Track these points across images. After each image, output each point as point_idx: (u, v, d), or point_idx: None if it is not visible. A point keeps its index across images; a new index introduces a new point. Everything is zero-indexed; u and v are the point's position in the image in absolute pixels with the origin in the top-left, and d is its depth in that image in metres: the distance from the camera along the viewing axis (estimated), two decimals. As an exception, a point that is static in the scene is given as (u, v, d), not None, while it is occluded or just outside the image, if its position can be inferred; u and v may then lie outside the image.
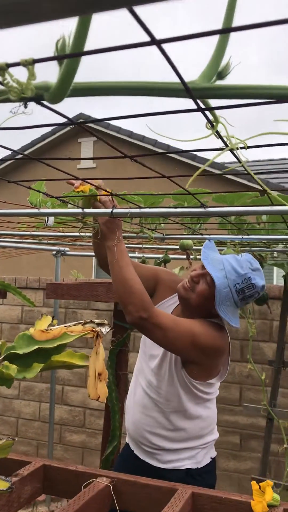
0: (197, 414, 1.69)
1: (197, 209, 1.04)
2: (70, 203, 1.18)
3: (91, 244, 2.84)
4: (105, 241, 1.51)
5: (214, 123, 0.54)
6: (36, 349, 1.16)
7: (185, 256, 2.03)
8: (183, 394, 1.66)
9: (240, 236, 1.48)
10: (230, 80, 0.47)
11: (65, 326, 1.35)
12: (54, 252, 3.41)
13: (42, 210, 1.21)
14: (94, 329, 1.25)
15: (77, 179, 1.11)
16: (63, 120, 0.60)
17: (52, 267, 3.63)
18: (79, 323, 1.42)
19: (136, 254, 3.70)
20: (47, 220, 1.24)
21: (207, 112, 0.53)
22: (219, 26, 0.41)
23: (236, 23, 0.41)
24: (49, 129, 12.37)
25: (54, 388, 3.69)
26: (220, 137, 0.59)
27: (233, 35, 0.44)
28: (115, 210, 1.11)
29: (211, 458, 1.75)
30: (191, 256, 2.16)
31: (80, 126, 0.70)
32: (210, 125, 0.55)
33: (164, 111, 0.54)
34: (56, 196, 1.09)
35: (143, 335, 1.76)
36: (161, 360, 1.71)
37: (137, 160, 0.84)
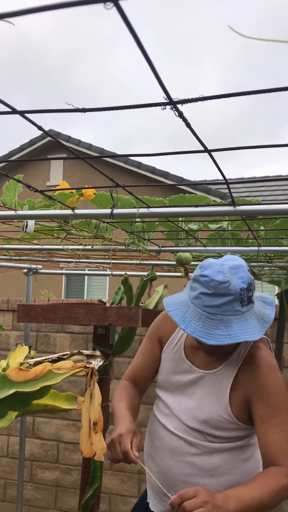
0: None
1: (225, 208, 0.80)
2: (58, 201, 0.91)
3: (69, 260, 2.55)
4: None
5: None
6: (13, 393, 0.88)
7: (181, 273, 1.78)
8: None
9: (256, 248, 1.24)
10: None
11: (47, 361, 1.06)
12: (25, 270, 3.10)
13: (20, 212, 0.94)
14: (88, 365, 0.97)
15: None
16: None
17: (20, 287, 3.33)
18: (65, 355, 1.14)
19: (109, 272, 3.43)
20: (26, 225, 0.97)
21: None
22: None
23: None
24: (17, 145, 12.10)
25: (24, 420, 3.33)
26: None
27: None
28: (116, 211, 0.85)
29: None
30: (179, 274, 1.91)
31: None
32: None
33: None
34: (41, 190, 0.83)
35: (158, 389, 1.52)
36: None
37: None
